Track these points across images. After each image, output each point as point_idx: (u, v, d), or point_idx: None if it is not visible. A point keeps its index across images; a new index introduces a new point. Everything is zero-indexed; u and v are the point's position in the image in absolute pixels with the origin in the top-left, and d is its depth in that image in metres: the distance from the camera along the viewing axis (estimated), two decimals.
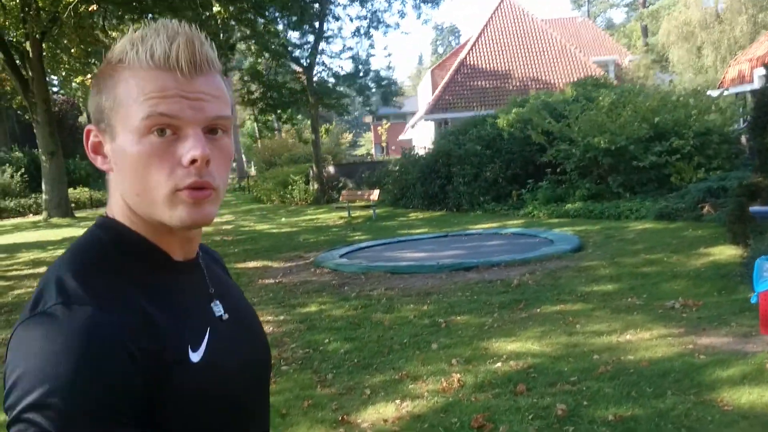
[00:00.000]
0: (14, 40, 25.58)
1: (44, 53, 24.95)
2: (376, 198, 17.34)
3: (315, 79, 24.40)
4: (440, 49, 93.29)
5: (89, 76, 22.59)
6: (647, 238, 10.09)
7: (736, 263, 7.50)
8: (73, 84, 23.10)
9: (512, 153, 16.65)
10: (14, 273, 11.85)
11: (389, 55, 56.74)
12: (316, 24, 23.88)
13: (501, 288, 7.63)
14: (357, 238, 13.65)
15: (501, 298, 7.11)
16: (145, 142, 0.85)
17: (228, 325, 0.98)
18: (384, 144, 63.83)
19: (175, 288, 0.93)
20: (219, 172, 0.88)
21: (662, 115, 13.83)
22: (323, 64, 24.69)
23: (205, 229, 1.08)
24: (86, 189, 36.27)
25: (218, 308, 0.98)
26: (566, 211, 13.84)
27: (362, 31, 26.24)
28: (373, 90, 26.10)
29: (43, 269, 12.09)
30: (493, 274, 8.52)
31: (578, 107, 15.26)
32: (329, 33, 26.04)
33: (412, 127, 42.37)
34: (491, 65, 32.21)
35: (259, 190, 28.53)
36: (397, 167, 20.90)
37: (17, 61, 25.28)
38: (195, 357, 0.87)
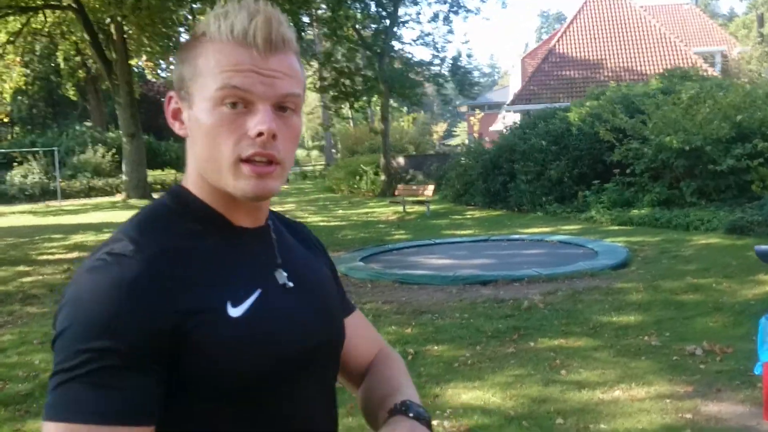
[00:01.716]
0: (101, 22, 26.11)
1: (125, 36, 25.28)
2: (430, 194, 16.41)
3: (387, 66, 23.58)
4: (545, 37, 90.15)
5: (144, 57, 22.68)
6: (705, 256, 8.73)
7: None
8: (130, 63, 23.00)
9: (580, 150, 15.27)
10: (44, 257, 11.77)
11: (467, 41, 54.52)
12: (390, 8, 23.06)
13: (508, 310, 6.62)
14: (397, 237, 12.83)
15: (499, 324, 6.12)
16: (216, 112, 0.90)
17: (291, 294, 0.98)
18: (476, 134, 62.28)
19: (228, 250, 0.95)
20: (285, 148, 0.92)
21: (746, 112, 12.16)
22: (397, 51, 23.77)
23: None
24: (173, 171, 37.09)
25: (281, 276, 0.99)
26: (630, 218, 12.46)
27: (441, 17, 25.19)
28: (449, 79, 24.93)
29: (77, 254, 11.97)
30: (509, 291, 7.50)
31: (653, 102, 13.74)
32: (405, 18, 25.12)
33: (504, 118, 40.90)
34: (582, 54, 30.34)
35: (331, 179, 28.10)
36: (462, 161, 19.83)
37: (102, 44, 25.94)
38: (234, 312, 0.89)
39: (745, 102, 12.53)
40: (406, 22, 25.13)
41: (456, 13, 25.33)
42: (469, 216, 16.05)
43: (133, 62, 22.59)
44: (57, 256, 11.91)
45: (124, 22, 23.57)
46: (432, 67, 24.58)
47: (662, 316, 6.12)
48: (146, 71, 23.27)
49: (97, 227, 16.55)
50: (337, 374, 1.11)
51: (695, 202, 12.43)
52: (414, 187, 17.87)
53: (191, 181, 0.98)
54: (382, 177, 23.80)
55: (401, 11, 24.83)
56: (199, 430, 0.89)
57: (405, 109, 49.55)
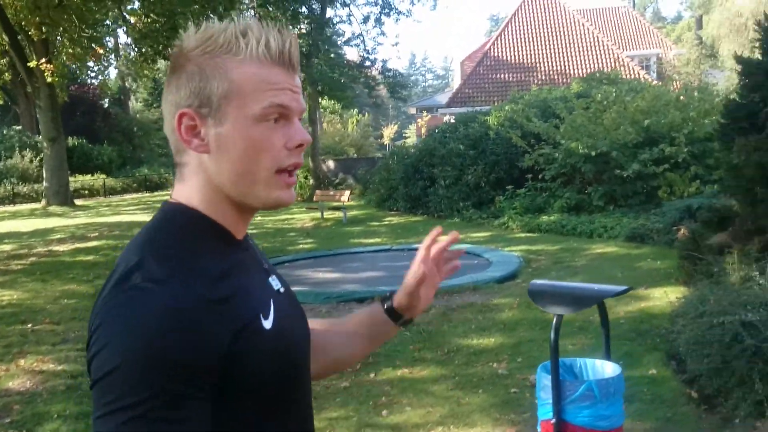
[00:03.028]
0: (21, 24, 24.93)
1: (44, 37, 24.15)
2: (346, 199, 15.89)
3: (315, 68, 23.01)
4: None
5: (42, 60, 21.73)
6: (595, 267, 8.41)
7: (666, 315, 5.86)
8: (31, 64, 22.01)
9: (497, 155, 14.97)
10: None
11: (396, 44, 54.23)
12: (318, 10, 22.52)
13: None
14: (302, 246, 12.29)
15: None
16: (261, 127, 0.94)
17: (284, 299, 1.04)
18: (423, 137, 62.03)
19: (241, 264, 0.98)
20: None
21: (655, 116, 11.97)
22: (325, 52, 23.13)
23: None
24: (103, 176, 35.92)
25: (276, 283, 1.05)
26: (538, 225, 12.16)
27: (372, 18, 24.74)
28: (380, 82, 24.49)
29: None
30: None
31: (566, 106, 13.51)
32: (336, 20, 24.62)
33: (446, 121, 40.69)
34: (516, 57, 30.27)
35: None
36: (390, 163, 19.38)
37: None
38: (267, 324, 0.94)
39: (654, 106, 12.35)
40: (336, 23, 24.62)
41: (387, 15, 24.93)
42: (386, 222, 15.61)
43: (31, 64, 21.49)
44: None
45: (24, 25, 22.44)
46: (363, 70, 24.08)
47: (524, 338, 5.71)
48: (45, 74, 22.10)
49: None
50: None
51: (603, 208, 12.19)
52: (331, 193, 17.32)
53: (199, 197, 0.97)
54: (311, 181, 23.25)
55: (330, 13, 24.38)
56: None
57: (354, 111, 49.14)
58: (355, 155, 34.48)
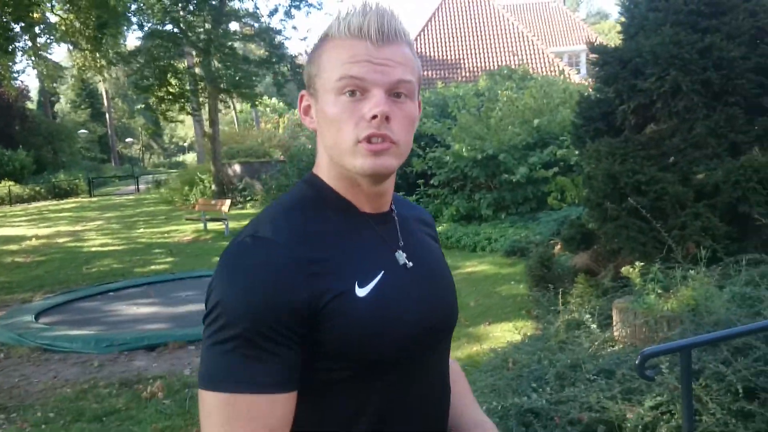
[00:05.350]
0: None
1: None
2: (227, 209, 14.36)
3: (215, 64, 21.44)
4: None
5: None
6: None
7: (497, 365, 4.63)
8: None
9: None
10: None
11: (305, 38, 52.29)
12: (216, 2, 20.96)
13: (121, 402, 4.77)
14: (154, 268, 10.79)
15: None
16: (338, 101, 0.98)
17: (410, 274, 1.06)
18: None
19: (355, 234, 1.03)
20: (400, 130, 0.99)
21: (547, 116, 10.86)
22: (218, 47, 21.34)
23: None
24: (9, 183, 33.61)
25: (402, 257, 1.07)
26: None
27: (282, 11, 23.23)
28: (290, 78, 22.99)
29: None
30: (167, 361, 5.71)
31: (459, 105, 12.34)
32: (242, 13, 23.02)
33: None
34: (440, 54, 29.19)
35: (168, 189, 25.64)
36: (287, 168, 18.00)
37: None
38: (361, 292, 0.97)
39: (548, 104, 11.25)
40: (243, 16, 23.03)
41: (297, 7, 23.47)
42: None
43: None
44: None
45: None
46: (269, 66, 22.57)
47: None
48: None
49: None
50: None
51: (494, 216, 11.03)
52: (213, 202, 15.70)
53: (323, 169, 1.06)
54: (212, 186, 21.70)
55: (237, 5, 22.86)
56: (338, 400, 0.97)
57: (293, 110, 47.47)
58: (281, 157, 32.93)
